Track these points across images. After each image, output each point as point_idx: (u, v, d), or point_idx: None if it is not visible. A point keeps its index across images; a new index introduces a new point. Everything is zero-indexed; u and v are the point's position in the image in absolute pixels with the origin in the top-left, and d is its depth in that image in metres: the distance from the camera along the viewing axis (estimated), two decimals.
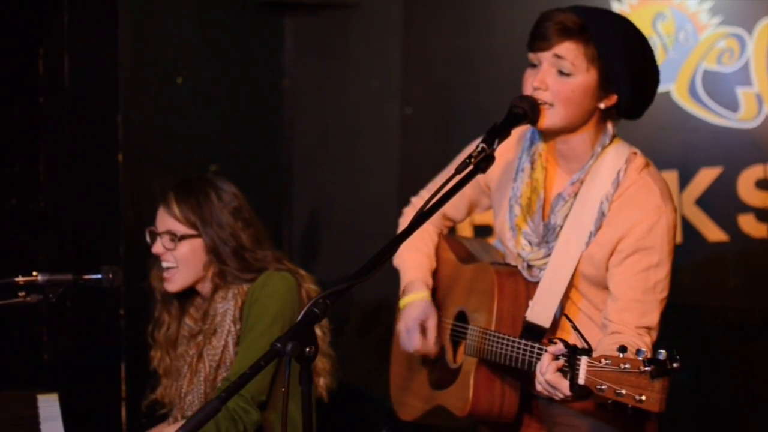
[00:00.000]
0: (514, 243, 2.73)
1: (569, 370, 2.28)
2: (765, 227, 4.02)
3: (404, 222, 3.07)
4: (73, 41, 4.06)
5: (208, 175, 3.25)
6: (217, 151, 4.37)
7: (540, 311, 2.63)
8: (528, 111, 2.57)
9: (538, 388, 2.42)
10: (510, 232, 2.75)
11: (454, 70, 4.45)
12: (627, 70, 2.59)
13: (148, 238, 3.14)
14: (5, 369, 3.77)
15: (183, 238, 3.07)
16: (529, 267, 2.71)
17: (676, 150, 4.07)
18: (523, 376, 2.69)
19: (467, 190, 2.90)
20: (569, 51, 2.56)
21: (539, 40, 2.59)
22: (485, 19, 4.35)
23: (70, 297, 3.98)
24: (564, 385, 2.33)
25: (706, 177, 4.07)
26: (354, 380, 3.39)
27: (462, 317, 2.86)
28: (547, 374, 2.36)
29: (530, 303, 2.67)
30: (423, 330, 2.88)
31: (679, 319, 3.83)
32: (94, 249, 4.08)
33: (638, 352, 2.17)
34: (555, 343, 2.34)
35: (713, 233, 4.07)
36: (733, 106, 4.02)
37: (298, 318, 2.07)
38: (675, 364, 2.12)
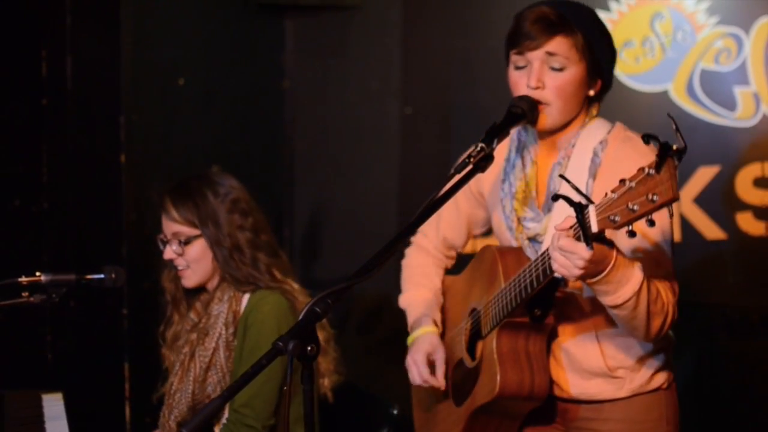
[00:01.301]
0: (514, 241, 2.74)
1: (580, 229, 2.18)
2: (763, 225, 4.04)
3: (409, 270, 3.05)
4: (75, 43, 4.08)
5: (204, 171, 3.24)
6: (218, 151, 4.39)
7: None
8: (527, 110, 2.56)
9: (555, 266, 2.31)
10: (508, 232, 2.76)
11: (453, 70, 4.46)
12: (609, 54, 2.63)
13: (160, 246, 3.16)
14: (10, 369, 3.79)
15: (189, 240, 3.08)
16: (533, 242, 2.67)
17: None
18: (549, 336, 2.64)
19: (463, 205, 2.89)
20: (560, 45, 2.56)
21: (527, 40, 2.56)
22: (484, 20, 4.36)
23: (73, 297, 4.00)
24: (580, 246, 2.22)
25: (704, 175, 4.09)
26: (354, 380, 3.40)
27: (474, 313, 2.82)
28: (560, 240, 2.25)
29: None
30: (431, 363, 2.82)
31: (677, 316, 3.85)
32: (97, 249, 4.10)
33: (639, 169, 2.07)
34: (556, 200, 2.20)
35: (711, 231, 4.09)
36: (730, 105, 4.04)
37: (300, 317, 2.08)
38: (675, 146, 2.01)
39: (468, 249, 3.09)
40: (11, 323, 3.62)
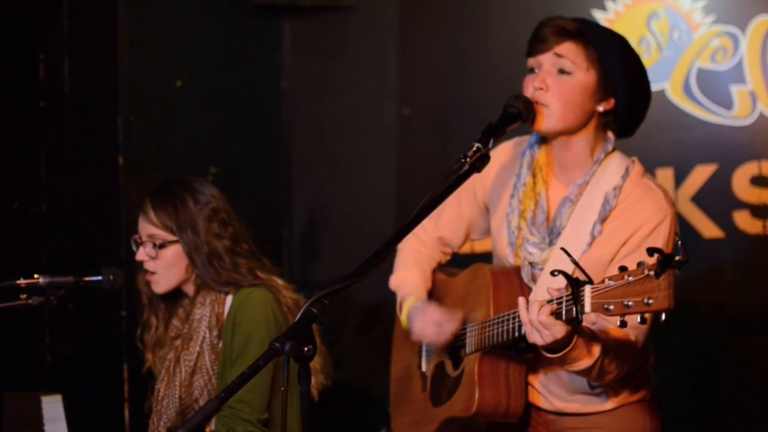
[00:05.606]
0: (513, 257, 2.74)
1: (574, 304, 2.25)
2: (760, 224, 4.04)
3: (402, 253, 3.04)
4: (72, 45, 4.08)
5: (186, 177, 3.23)
6: (216, 153, 4.40)
7: (543, 294, 2.55)
8: (522, 110, 2.58)
9: (526, 329, 2.39)
10: (509, 247, 2.76)
11: (450, 70, 4.47)
12: (625, 74, 2.64)
13: (133, 247, 3.16)
14: (9, 370, 3.79)
15: (164, 245, 3.08)
16: (532, 267, 2.69)
17: (671, 148, 4.10)
18: (528, 367, 2.70)
19: (466, 210, 2.91)
20: (569, 50, 2.61)
21: (539, 42, 2.63)
22: (481, 20, 4.37)
23: (71, 299, 3.99)
24: (557, 328, 2.32)
25: (701, 174, 4.10)
26: (353, 380, 3.41)
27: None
28: (541, 316, 2.33)
29: (533, 287, 2.67)
30: (436, 324, 2.81)
31: (675, 315, 3.85)
32: (95, 251, 4.10)
33: (639, 264, 2.16)
34: (555, 275, 2.28)
35: (709, 230, 4.09)
36: (727, 103, 4.05)
37: (297, 317, 2.08)
38: (678, 257, 2.08)
39: (465, 249, 3.09)
40: (10, 325, 3.63)
